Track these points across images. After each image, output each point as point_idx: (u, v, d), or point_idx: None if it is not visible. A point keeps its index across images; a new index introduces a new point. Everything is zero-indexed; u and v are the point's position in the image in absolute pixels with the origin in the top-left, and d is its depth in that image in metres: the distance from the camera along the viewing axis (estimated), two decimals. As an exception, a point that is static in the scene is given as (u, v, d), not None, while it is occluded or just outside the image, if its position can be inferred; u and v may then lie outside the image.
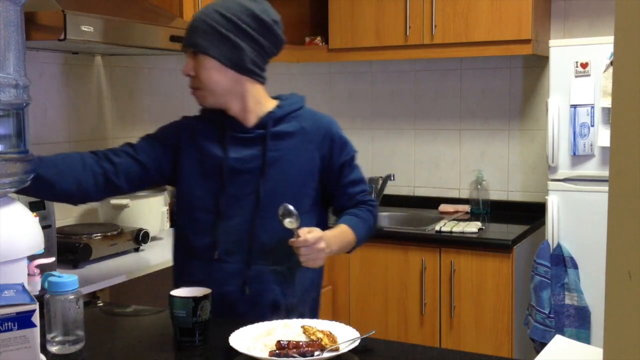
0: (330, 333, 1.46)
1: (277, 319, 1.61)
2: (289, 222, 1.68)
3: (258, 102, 1.85)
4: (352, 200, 1.92)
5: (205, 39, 1.76)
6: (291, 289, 1.82)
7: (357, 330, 1.50)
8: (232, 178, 1.81)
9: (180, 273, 1.88)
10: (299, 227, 1.69)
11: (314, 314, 1.89)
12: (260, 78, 1.85)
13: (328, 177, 1.88)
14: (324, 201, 1.93)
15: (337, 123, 1.93)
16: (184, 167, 1.84)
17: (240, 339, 1.45)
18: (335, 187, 1.90)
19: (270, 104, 1.87)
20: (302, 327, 1.49)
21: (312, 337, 1.44)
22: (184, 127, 1.89)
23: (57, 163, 1.72)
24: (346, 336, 1.47)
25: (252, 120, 1.84)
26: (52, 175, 1.68)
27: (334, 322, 1.53)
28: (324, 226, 1.88)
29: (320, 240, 1.70)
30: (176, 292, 1.54)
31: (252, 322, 1.55)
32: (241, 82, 1.81)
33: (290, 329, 1.49)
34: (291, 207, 1.69)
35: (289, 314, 1.76)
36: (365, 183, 1.98)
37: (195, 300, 1.50)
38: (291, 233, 1.70)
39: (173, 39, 2.70)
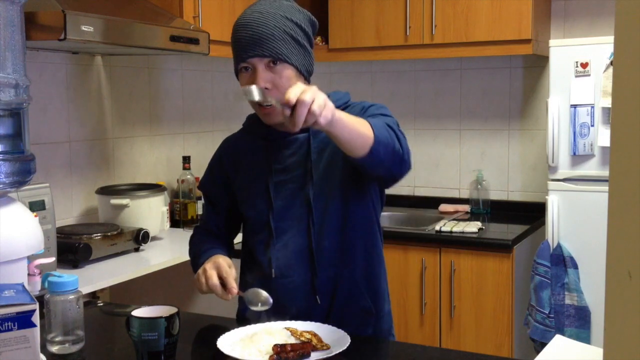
0: (316, 333, 1.45)
1: (354, 321, 1.55)
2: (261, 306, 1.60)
3: None
4: None
5: (285, 47, 1.62)
6: (360, 289, 1.72)
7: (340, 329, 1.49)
8: (279, 191, 1.71)
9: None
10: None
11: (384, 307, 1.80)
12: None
13: None
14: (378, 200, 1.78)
15: (379, 104, 1.72)
16: (238, 193, 1.80)
17: (228, 343, 1.42)
18: None
19: None
20: (287, 329, 1.47)
21: (301, 338, 1.42)
22: (225, 155, 1.83)
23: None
24: (329, 335, 1.46)
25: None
26: None
27: (313, 323, 1.52)
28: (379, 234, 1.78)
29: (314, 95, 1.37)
30: (138, 313, 1.41)
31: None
32: None
33: (275, 332, 1.46)
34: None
35: (363, 314, 1.70)
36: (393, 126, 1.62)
37: (167, 319, 1.38)
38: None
39: (173, 39, 2.70)
